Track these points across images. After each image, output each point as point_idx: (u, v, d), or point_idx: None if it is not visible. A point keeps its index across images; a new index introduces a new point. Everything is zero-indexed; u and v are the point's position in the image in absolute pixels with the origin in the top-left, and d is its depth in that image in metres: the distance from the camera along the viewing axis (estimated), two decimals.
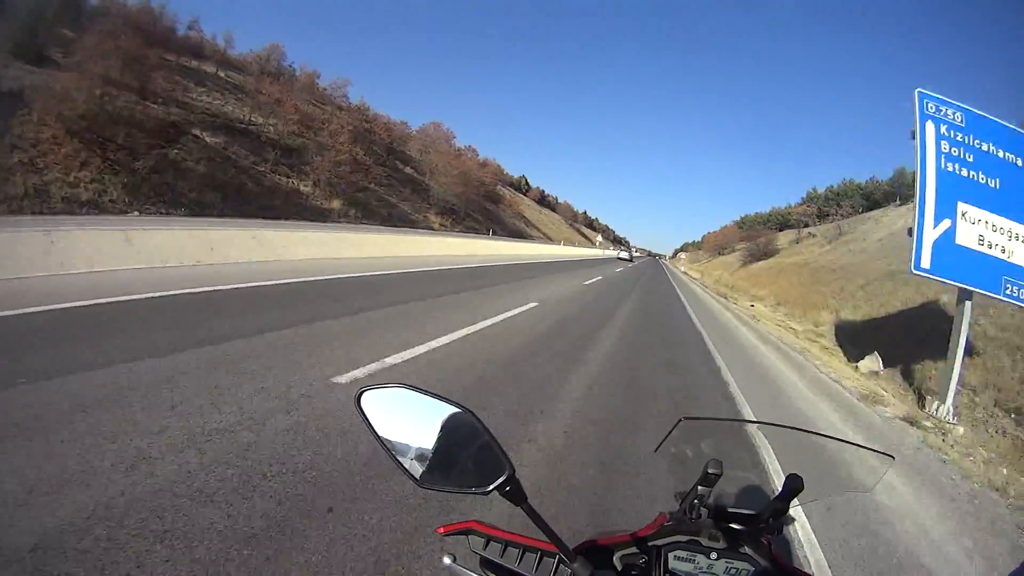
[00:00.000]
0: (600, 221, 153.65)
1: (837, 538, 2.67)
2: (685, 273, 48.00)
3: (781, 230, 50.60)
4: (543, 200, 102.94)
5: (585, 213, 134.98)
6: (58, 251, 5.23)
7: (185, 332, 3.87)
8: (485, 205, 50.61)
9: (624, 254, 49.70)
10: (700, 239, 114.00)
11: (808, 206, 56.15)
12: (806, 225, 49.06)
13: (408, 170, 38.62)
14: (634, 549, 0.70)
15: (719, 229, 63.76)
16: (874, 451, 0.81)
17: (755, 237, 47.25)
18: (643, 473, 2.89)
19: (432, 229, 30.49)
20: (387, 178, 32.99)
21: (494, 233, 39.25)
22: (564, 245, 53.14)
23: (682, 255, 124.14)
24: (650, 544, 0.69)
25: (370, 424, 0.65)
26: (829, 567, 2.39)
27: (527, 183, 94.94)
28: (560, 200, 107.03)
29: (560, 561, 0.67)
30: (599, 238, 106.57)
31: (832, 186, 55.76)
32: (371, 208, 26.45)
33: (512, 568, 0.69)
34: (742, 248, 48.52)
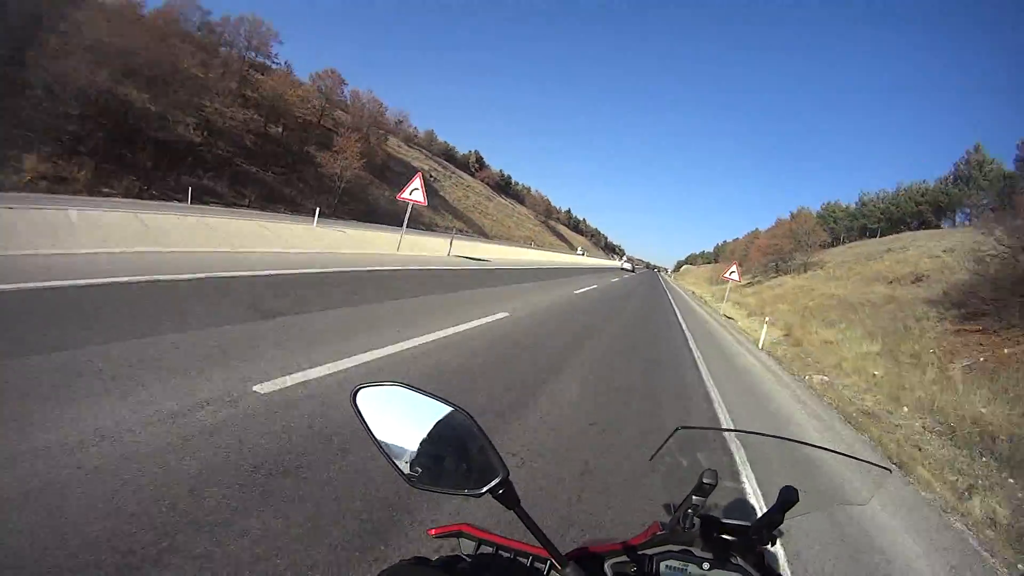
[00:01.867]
0: (589, 223, 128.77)
1: None
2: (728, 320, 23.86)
3: None
4: (506, 188, 78.10)
5: (569, 212, 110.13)
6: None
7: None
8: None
9: (627, 265, 51.50)
10: (721, 245, 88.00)
11: None
12: None
13: None
14: (625, 558, 0.69)
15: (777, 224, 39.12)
16: (871, 464, 0.78)
17: None
18: None
19: None
20: None
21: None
22: (525, 247, 41.44)
23: (691, 268, 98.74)
24: (641, 553, 0.69)
25: (365, 422, 0.63)
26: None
27: (480, 161, 70.23)
28: (537, 192, 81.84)
29: (551, 567, 0.67)
30: (581, 248, 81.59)
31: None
32: None
33: (505, 571, 0.69)
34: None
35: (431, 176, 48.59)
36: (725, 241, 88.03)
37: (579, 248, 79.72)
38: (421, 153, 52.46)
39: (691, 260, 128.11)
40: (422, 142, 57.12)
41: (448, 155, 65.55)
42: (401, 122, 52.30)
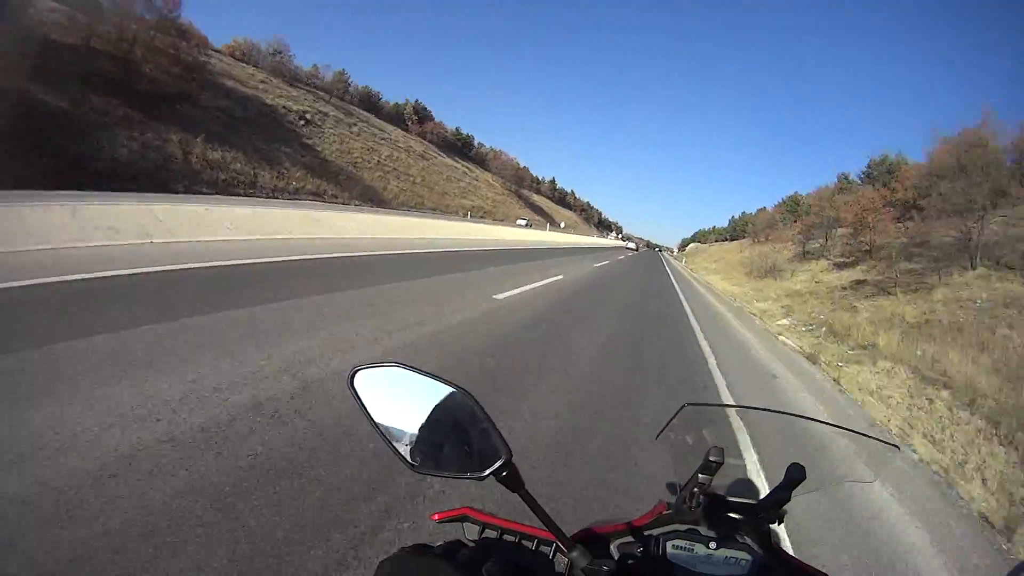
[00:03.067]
0: (578, 197, 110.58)
1: None
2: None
3: None
4: (463, 149, 60.74)
5: (553, 183, 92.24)
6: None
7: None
8: None
9: (631, 244, 50.63)
10: (739, 218, 70.59)
11: None
12: None
13: None
14: (631, 538, 0.69)
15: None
16: (879, 440, 0.77)
17: None
18: None
19: None
20: None
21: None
22: (464, 219, 32.57)
23: (702, 247, 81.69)
24: (647, 533, 0.68)
25: (363, 404, 0.62)
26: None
27: (420, 113, 53.00)
28: (506, 156, 64.11)
29: (557, 549, 0.66)
30: (561, 223, 64.88)
31: None
32: None
33: (510, 555, 0.68)
34: None
35: (299, 117, 31.49)
36: (745, 212, 70.73)
37: (547, 225, 62.81)
38: (295, 89, 35.00)
39: (700, 237, 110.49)
40: (304, 75, 39.69)
41: (369, 103, 48.36)
42: (279, 53, 36.67)
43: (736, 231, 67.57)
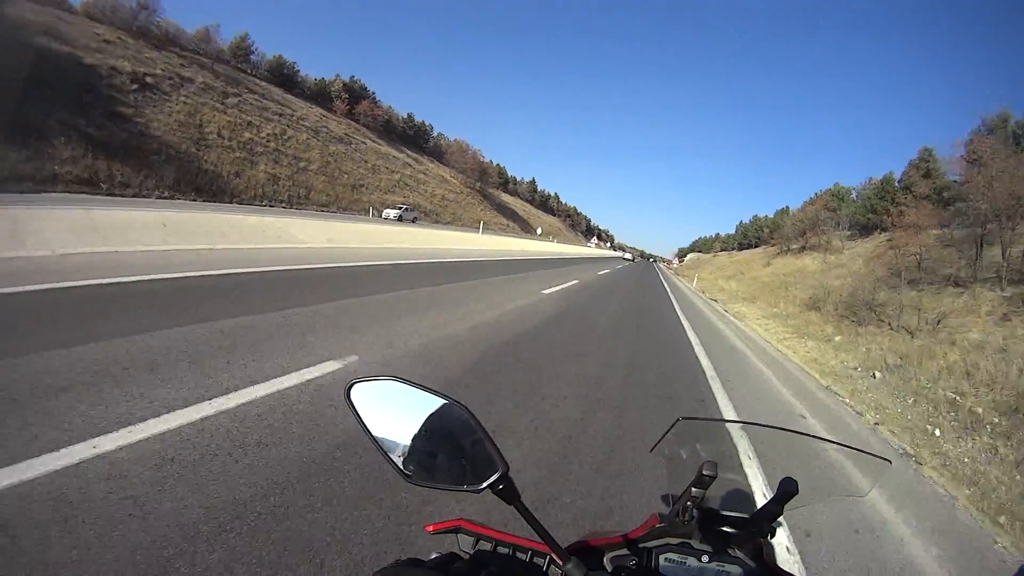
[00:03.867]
0: (563, 202, 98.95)
1: None
2: None
3: None
4: (416, 139, 50.24)
5: (533, 184, 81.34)
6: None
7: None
8: None
9: (628, 255, 51.97)
10: (751, 221, 60.00)
11: None
12: None
13: None
14: (625, 551, 0.69)
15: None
16: (871, 455, 0.77)
17: None
18: None
19: None
20: None
21: None
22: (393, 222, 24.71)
23: (704, 258, 70.77)
24: (641, 546, 0.68)
25: (360, 417, 0.63)
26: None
27: (351, 90, 42.63)
28: (470, 149, 53.06)
29: (551, 561, 0.67)
30: (541, 229, 54.60)
31: None
32: None
33: (504, 567, 0.68)
34: None
35: (133, 80, 21.37)
36: (756, 216, 59.98)
37: (538, 230, 52.15)
38: (159, 52, 25.92)
39: (700, 246, 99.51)
40: (190, 40, 30.11)
41: (281, 76, 38.32)
42: (145, 10, 28.48)
43: (748, 237, 56.79)
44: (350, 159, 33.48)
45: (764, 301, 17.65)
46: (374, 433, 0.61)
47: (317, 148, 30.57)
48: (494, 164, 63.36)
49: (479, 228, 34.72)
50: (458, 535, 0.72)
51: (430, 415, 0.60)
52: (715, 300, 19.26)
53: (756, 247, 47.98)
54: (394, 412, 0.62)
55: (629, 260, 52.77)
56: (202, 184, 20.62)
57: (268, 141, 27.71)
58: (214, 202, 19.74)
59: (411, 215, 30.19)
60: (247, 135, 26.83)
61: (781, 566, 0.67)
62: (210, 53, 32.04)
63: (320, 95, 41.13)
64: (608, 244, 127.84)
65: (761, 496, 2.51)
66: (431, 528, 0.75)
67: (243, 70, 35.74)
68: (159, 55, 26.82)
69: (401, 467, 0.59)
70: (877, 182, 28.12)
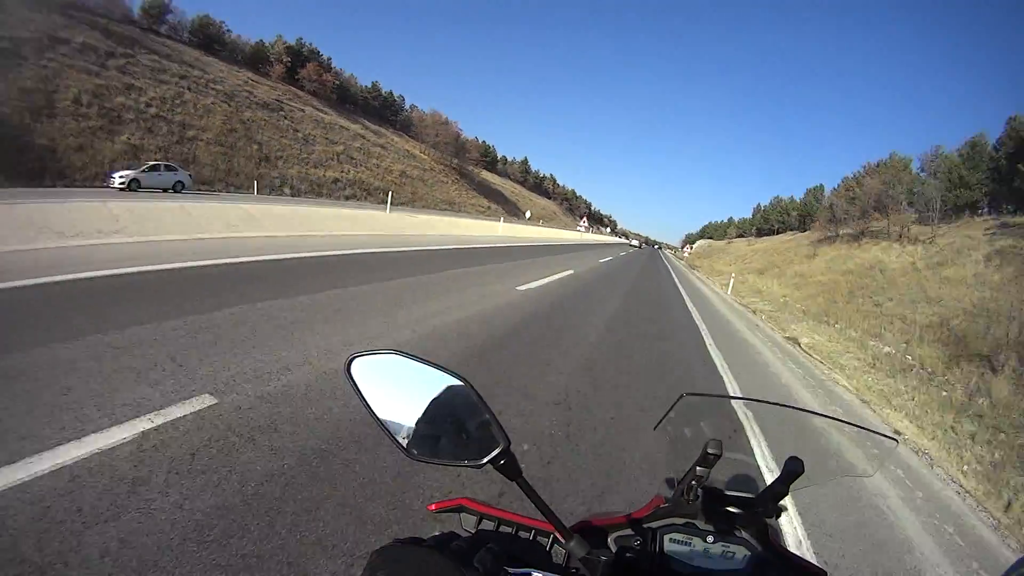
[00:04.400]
0: (560, 184, 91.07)
1: None
2: None
3: None
4: (381, 110, 43.52)
5: (525, 163, 74.01)
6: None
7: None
8: None
9: (635, 242, 52.64)
10: (782, 202, 52.87)
11: None
12: None
13: None
14: (629, 531, 0.68)
15: None
16: (878, 434, 0.76)
17: None
18: None
19: None
20: None
21: None
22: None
23: (717, 244, 63.64)
24: (645, 526, 0.68)
25: (360, 392, 0.61)
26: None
27: (300, 56, 35.90)
28: (447, 120, 46.03)
29: (554, 540, 0.67)
30: (529, 212, 47.95)
31: None
32: None
33: (507, 546, 0.66)
34: None
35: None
36: (779, 197, 52.60)
37: (527, 214, 45.07)
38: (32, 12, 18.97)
39: (711, 232, 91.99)
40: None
41: (206, 37, 32.03)
42: None
43: (769, 221, 49.62)
44: (273, 127, 26.98)
45: (843, 321, 10.99)
46: (374, 408, 0.60)
47: (221, 114, 24.06)
48: (479, 141, 56.32)
49: (403, 209, 28.00)
50: (460, 514, 0.71)
51: (431, 390, 0.58)
52: (754, 312, 12.54)
53: (779, 233, 40.94)
54: (395, 387, 0.61)
55: (636, 247, 52.79)
56: (20, 163, 14.84)
57: (148, 106, 21.37)
58: (28, 187, 13.84)
59: (169, 179, 17.98)
60: (119, 99, 20.53)
61: (785, 546, 0.61)
62: (113, 15, 26.16)
63: (256, 58, 34.56)
64: (609, 230, 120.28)
65: (766, 475, 2.17)
66: (433, 507, 0.73)
67: (154, 30, 29.33)
68: (41, 15, 21.32)
69: (402, 443, 0.58)
70: (965, 150, 21.33)
